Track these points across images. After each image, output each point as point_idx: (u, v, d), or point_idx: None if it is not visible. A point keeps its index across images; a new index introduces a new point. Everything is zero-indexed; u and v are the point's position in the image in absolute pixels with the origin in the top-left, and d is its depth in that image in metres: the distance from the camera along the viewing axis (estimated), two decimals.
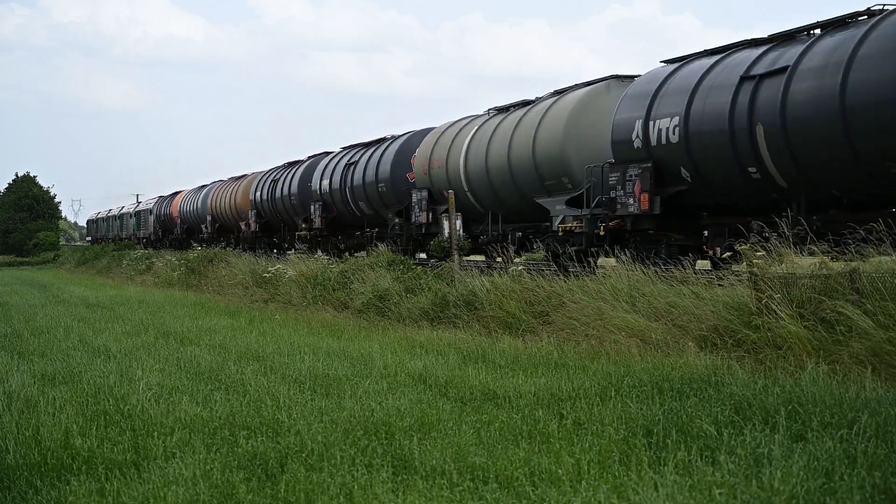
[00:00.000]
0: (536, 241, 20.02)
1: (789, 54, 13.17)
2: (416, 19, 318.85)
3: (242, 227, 40.41)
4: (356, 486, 5.62)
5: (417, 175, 24.50)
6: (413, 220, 24.48)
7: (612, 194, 16.15)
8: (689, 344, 9.83)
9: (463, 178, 22.05)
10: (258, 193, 38.87)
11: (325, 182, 31.42)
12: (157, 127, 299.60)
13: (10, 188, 75.27)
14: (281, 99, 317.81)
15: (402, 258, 19.34)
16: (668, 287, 11.38)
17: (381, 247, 20.69)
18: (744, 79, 13.64)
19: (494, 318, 13.17)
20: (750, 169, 13.49)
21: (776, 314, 9.37)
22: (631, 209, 15.64)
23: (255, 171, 42.59)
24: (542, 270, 14.76)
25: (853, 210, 12.49)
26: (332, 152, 33.95)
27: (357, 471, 5.93)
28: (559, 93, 19.96)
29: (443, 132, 24.20)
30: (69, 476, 6.16)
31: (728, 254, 11.73)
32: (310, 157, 35.58)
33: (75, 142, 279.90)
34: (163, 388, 8.85)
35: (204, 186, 50.60)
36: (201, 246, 36.93)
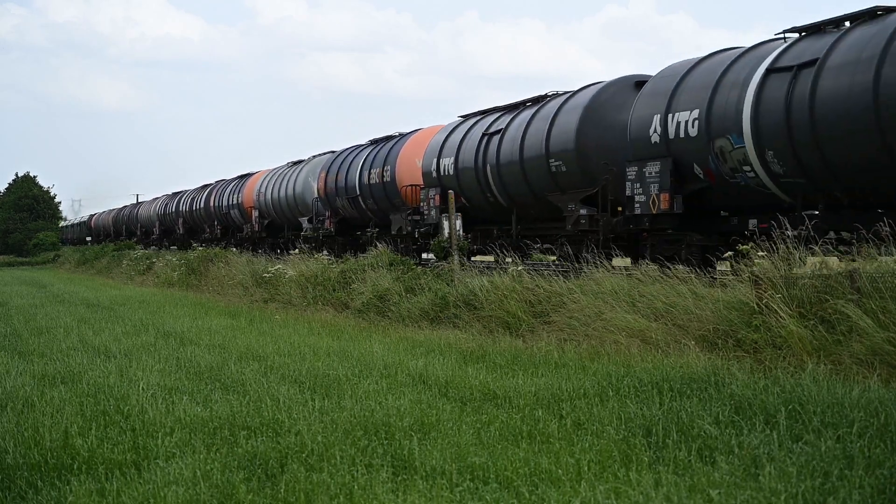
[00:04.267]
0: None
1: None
2: (412, 19, 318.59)
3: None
4: (356, 486, 5.62)
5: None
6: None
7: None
8: (690, 344, 9.82)
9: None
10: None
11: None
12: (155, 127, 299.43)
13: (10, 188, 75.29)
14: (278, 98, 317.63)
15: (403, 258, 19.30)
16: (668, 287, 11.38)
17: (381, 247, 20.62)
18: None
19: (494, 318, 13.16)
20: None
21: (777, 314, 9.37)
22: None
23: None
24: (543, 270, 14.75)
25: None
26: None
27: (357, 471, 5.93)
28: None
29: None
30: (69, 476, 6.16)
31: (729, 254, 11.73)
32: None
33: (74, 142, 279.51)
34: (163, 389, 8.84)
35: (140, 203, 66.51)
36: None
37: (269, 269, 21.87)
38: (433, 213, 23.12)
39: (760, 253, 10.56)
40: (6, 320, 17.08)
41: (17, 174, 75.34)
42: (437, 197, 23.06)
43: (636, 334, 10.66)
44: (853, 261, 10.15)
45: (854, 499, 5.02)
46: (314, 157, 34.91)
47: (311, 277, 19.48)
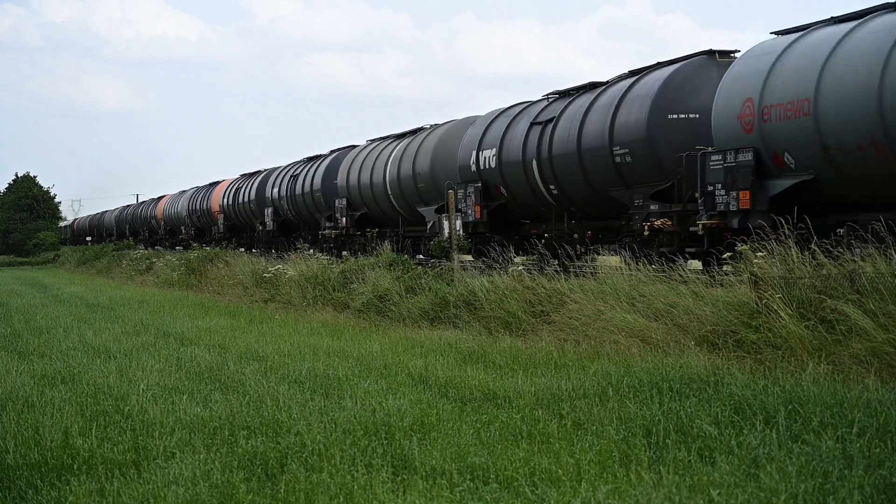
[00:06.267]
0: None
1: None
2: (409, 19, 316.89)
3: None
4: (356, 486, 5.62)
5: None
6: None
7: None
8: (690, 344, 9.82)
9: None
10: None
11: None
12: (154, 127, 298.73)
13: (10, 188, 75.23)
14: (275, 98, 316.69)
15: (403, 258, 19.27)
16: (668, 287, 11.38)
17: (385, 245, 20.59)
18: None
19: (494, 317, 13.16)
20: None
21: (776, 314, 9.37)
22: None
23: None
24: (543, 270, 14.73)
25: None
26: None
27: (357, 471, 5.93)
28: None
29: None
30: (69, 476, 6.17)
31: (728, 254, 11.71)
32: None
33: (73, 142, 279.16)
34: (163, 389, 8.85)
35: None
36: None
37: (269, 269, 21.88)
38: (221, 227, 45.12)
39: (760, 253, 10.57)
40: (6, 320, 17.09)
41: (17, 174, 75.34)
42: (222, 217, 45.29)
43: (636, 334, 10.66)
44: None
45: (854, 499, 5.02)
46: (192, 188, 55.36)
47: (311, 277, 19.49)
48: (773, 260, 10.37)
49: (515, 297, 13.32)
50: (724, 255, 11.88)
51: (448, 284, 15.10)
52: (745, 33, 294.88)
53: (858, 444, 5.80)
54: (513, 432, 6.79)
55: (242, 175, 45.12)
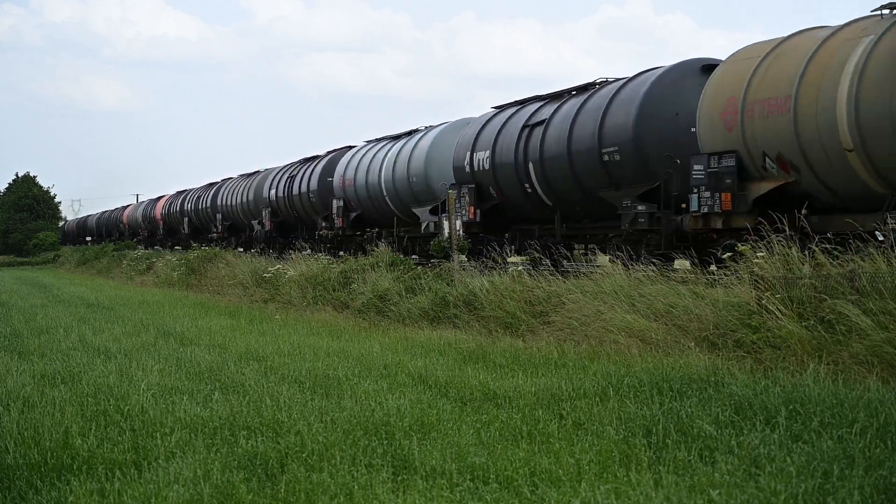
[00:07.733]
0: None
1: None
2: (409, 19, 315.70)
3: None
4: (356, 486, 5.62)
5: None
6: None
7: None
8: (690, 344, 9.82)
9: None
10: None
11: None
12: (154, 127, 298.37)
13: (10, 188, 75.28)
14: (275, 98, 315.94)
15: (403, 258, 19.28)
16: (668, 287, 11.38)
17: (382, 246, 20.62)
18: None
19: (494, 318, 13.17)
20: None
21: (776, 314, 9.37)
22: None
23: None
24: (542, 270, 14.73)
25: None
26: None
27: (357, 471, 5.93)
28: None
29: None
30: (69, 476, 6.16)
31: (728, 254, 11.71)
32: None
33: (73, 142, 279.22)
34: (163, 389, 8.84)
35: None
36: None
37: (269, 269, 21.88)
38: (161, 230, 57.24)
39: (760, 253, 10.56)
40: (6, 320, 17.09)
41: (17, 174, 75.36)
42: (162, 223, 57.67)
43: (636, 334, 10.65)
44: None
45: (854, 499, 5.02)
46: (147, 200, 68.50)
47: (311, 277, 19.49)
48: (773, 260, 10.37)
49: (515, 297, 13.32)
50: (724, 255, 11.90)
51: (448, 284, 15.11)
52: (745, 33, 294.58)
53: (859, 444, 5.80)
54: (513, 432, 6.79)
55: (176, 192, 59.09)
